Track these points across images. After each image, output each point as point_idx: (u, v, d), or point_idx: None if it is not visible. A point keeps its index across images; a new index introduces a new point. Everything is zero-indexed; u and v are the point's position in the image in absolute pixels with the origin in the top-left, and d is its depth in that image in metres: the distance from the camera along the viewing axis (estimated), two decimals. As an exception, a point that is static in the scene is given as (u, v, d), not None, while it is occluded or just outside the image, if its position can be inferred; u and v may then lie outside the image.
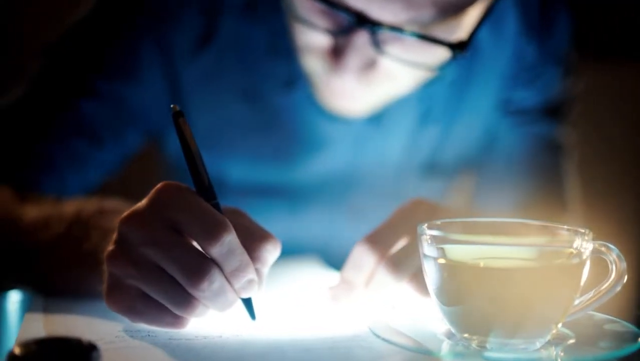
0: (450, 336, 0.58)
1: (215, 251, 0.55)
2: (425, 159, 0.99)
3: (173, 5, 0.90)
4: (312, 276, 0.80)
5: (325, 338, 0.58)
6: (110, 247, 0.57)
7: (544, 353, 0.56)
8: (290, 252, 0.93)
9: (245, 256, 0.57)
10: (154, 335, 0.58)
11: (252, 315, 0.60)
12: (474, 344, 0.56)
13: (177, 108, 0.58)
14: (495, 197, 1.01)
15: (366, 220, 0.74)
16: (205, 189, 0.58)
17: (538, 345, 0.56)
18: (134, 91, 0.90)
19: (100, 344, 0.54)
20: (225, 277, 0.56)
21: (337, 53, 0.77)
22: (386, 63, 0.77)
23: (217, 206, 0.58)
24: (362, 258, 0.67)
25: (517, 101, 0.98)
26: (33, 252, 0.70)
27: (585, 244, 0.56)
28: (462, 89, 0.96)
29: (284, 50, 0.88)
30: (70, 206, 0.71)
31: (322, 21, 0.76)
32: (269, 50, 0.90)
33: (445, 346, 0.56)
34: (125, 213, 0.56)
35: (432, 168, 0.99)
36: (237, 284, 0.57)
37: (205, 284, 0.54)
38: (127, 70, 0.89)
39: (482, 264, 0.55)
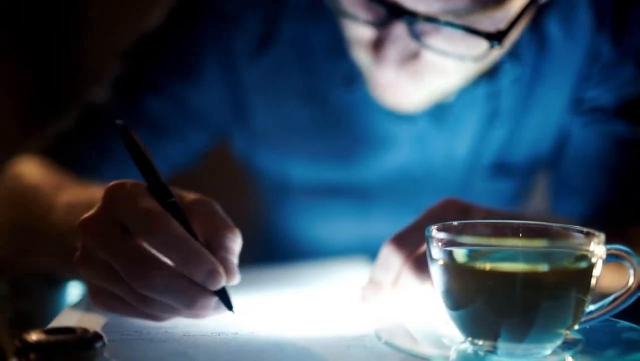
0: (460, 340, 0.57)
1: (155, 242, 0.55)
2: (493, 158, 0.97)
3: (234, 9, 0.93)
4: (352, 277, 0.81)
5: (331, 337, 0.59)
6: (77, 252, 0.59)
7: (554, 359, 0.54)
8: (357, 251, 0.94)
9: (195, 246, 0.56)
10: (172, 330, 0.60)
11: (229, 306, 0.59)
12: (483, 349, 0.55)
13: (120, 123, 0.60)
14: (570, 198, 0.98)
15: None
16: (157, 189, 0.59)
17: (549, 350, 0.55)
18: (196, 92, 0.94)
19: (115, 337, 0.58)
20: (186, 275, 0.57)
21: (378, 45, 0.77)
22: (429, 55, 0.77)
23: (173, 205, 0.58)
24: (389, 258, 0.67)
25: (590, 99, 0.95)
26: (59, 240, 0.73)
27: (596, 248, 0.54)
28: (532, 88, 0.93)
29: (344, 50, 0.89)
30: (92, 193, 0.73)
31: (362, 13, 0.76)
32: (330, 50, 0.91)
33: (451, 352, 0.55)
34: (82, 218, 0.58)
35: (501, 168, 0.97)
36: (198, 277, 0.56)
37: (143, 283, 0.55)
38: (189, 72, 0.93)
39: (488, 267, 0.54)
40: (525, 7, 0.73)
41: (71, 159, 0.89)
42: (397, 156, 0.96)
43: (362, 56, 0.82)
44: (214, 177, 1.22)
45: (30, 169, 0.88)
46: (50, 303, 0.76)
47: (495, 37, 0.72)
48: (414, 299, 0.66)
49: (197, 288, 0.57)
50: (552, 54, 0.92)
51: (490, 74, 0.90)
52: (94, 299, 0.61)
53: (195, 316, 0.60)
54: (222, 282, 0.57)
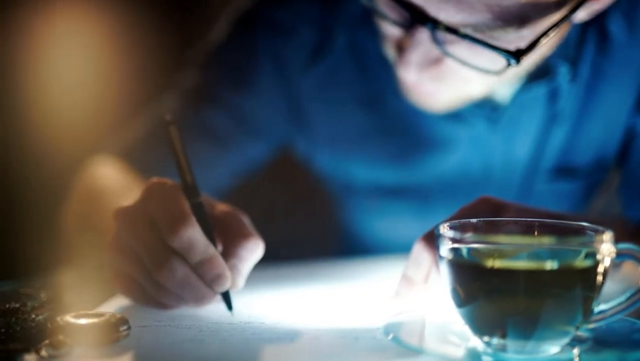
0: (470, 338, 0.57)
1: (175, 243, 0.60)
2: (555, 159, 0.95)
3: (289, 20, 0.95)
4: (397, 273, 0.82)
5: (344, 329, 0.61)
6: (110, 238, 0.64)
7: (563, 356, 0.54)
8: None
9: (210, 251, 0.61)
10: (201, 319, 0.64)
11: (229, 306, 0.65)
12: (492, 346, 0.55)
13: (168, 118, 0.65)
14: (638, 199, 0.95)
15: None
16: (187, 188, 0.64)
17: (558, 348, 0.55)
18: (254, 103, 0.97)
19: (147, 323, 0.62)
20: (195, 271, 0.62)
21: (402, 45, 0.78)
22: (451, 62, 0.77)
23: (198, 205, 0.63)
24: (420, 255, 0.68)
25: None
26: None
27: (603, 246, 0.53)
28: (592, 87, 0.92)
29: None
30: None
31: (391, 13, 0.77)
32: (383, 57, 0.92)
33: (460, 349, 0.56)
34: (118, 207, 0.64)
35: (564, 169, 0.96)
36: (207, 277, 0.62)
37: (165, 273, 0.61)
38: (247, 83, 0.97)
39: (493, 265, 0.55)
40: (549, 29, 0.71)
41: (143, 165, 0.95)
42: (455, 158, 0.96)
43: (390, 52, 0.83)
44: (286, 179, 1.25)
45: (106, 172, 0.94)
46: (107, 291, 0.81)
47: (513, 55, 0.70)
48: (439, 295, 0.67)
49: (206, 287, 0.63)
50: (614, 52, 0.90)
51: (545, 75, 0.89)
52: (116, 282, 0.66)
53: (199, 307, 0.66)
54: (227, 286, 0.63)
